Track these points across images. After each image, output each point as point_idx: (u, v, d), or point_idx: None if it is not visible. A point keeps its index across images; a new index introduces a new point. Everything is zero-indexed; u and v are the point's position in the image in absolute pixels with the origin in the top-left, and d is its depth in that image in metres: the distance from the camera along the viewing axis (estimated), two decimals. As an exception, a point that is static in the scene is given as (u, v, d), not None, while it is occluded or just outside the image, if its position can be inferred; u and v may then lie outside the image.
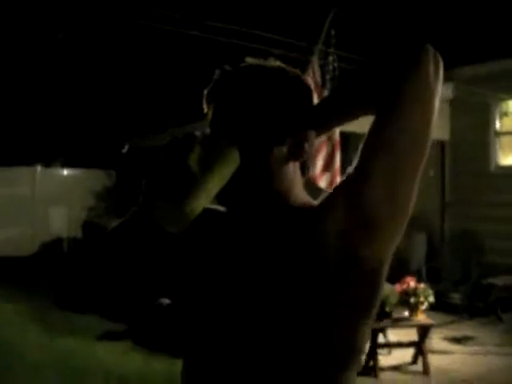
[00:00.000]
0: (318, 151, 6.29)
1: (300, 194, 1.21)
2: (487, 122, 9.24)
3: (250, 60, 1.21)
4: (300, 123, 1.18)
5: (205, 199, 1.05)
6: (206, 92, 1.21)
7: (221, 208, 1.25)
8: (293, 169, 1.20)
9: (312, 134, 1.20)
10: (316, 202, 1.19)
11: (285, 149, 1.17)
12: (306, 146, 1.18)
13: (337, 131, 6.44)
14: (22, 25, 14.33)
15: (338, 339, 1.11)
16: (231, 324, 1.14)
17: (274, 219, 1.17)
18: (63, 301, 1.23)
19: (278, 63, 1.22)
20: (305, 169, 1.23)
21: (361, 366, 1.18)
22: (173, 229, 1.04)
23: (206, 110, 1.21)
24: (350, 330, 1.12)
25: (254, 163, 1.15)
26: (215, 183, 1.06)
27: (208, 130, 1.18)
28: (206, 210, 1.11)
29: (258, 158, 1.15)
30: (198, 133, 1.08)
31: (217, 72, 1.21)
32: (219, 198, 1.13)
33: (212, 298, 1.17)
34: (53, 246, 12.85)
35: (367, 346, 5.63)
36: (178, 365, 1.32)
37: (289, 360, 1.10)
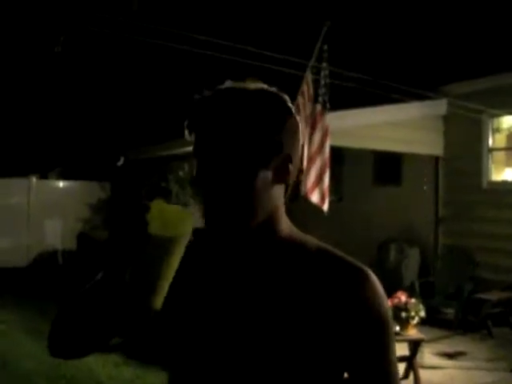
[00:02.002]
0: (311, 162, 6.32)
1: (285, 223, 1.20)
2: (480, 138, 9.31)
3: (229, 83, 1.17)
4: (280, 144, 1.15)
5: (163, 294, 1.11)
6: (186, 122, 1.17)
7: (208, 237, 1.25)
8: (278, 193, 1.17)
9: (296, 155, 1.18)
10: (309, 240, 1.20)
11: (269, 172, 1.14)
12: (291, 167, 1.15)
13: (327, 146, 6.46)
14: (20, 36, 14.39)
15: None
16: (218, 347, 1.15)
17: (264, 250, 1.17)
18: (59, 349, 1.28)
19: (257, 84, 1.17)
20: (288, 191, 1.20)
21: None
22: None
23: (188, 139, 1.18)
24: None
25: (240, 189, 1.12)
26: (171, 275, 1.11)
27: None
28: (196, 239, 1.16)
29: (244, 183, 1.12)
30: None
31: (195, 98, 1.17)
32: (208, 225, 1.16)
33: (201, 320, 1.19)
34: (47, 258, 12.81)
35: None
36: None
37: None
